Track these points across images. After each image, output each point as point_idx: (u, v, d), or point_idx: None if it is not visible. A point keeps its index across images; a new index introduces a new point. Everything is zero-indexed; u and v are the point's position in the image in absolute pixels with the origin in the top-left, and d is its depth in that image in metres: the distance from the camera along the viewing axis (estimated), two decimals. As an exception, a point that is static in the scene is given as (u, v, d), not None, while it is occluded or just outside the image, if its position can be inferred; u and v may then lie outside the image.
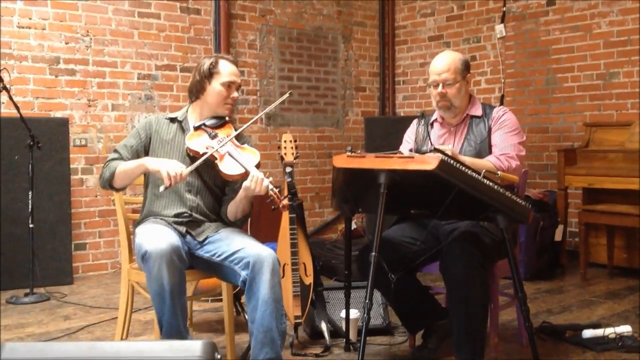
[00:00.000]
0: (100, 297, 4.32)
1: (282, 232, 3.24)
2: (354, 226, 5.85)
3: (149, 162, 2.60)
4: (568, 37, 5.50)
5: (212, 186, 2.78)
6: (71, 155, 4.82)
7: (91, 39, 5.04)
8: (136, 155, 2.73)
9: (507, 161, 2.82)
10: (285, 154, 3.25)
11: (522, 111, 5.75)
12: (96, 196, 5.07)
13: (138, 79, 5.27)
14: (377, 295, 3.32)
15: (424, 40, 6.60)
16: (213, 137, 2.70)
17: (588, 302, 4.10)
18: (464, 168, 2.42)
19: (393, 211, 2.92)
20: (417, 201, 2.76)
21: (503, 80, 5.93)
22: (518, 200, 2.53)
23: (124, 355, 1.85)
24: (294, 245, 3.17)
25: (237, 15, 5.83)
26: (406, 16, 6.77)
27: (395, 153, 2.64)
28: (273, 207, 2.56)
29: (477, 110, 2.99)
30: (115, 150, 2.74)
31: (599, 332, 3.23)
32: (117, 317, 2.96)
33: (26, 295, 4.23)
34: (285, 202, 2.57)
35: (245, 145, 2.76)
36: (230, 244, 2.58)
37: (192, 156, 2.69)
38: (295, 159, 3.25)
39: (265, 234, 3.85)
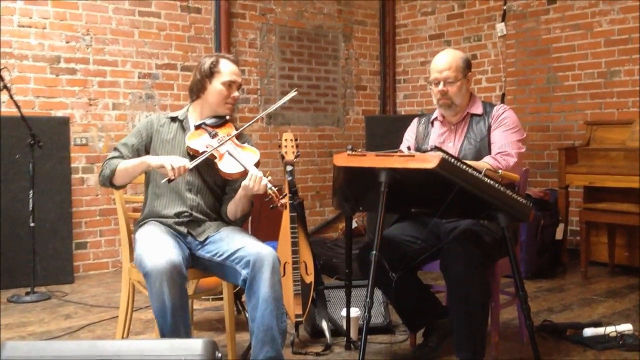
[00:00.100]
0: (101, 296, 4.32)
1: (282, 230, 3.24)
2: (354, 225, 5.86)
3: (151, 159, 2.61)
4: (569, 36, 5.49)
5: (213, 185, 2.78)
6: (72, 155, 4.82)
7: (92, 38, 5.04)
8: (136, 153, 2.73)
9: (504, 160, 2.82)
10: (285, 152, 3.25)
11: (523, 110, 5.75)
12: (97, 195, 5.07)
13: (139, 78, 5.27)
14: (378, 294, 3.32)
15: (425, 38, 6.60)
16: (213, 136, 2.70)
17: (589, 300, 4.10)
18: (464, 166, 2.42)
19: (394, 210, 2.92)
20: (417, 200, 2.75)
21: (504, 79, 5.93)
22: (519, 198, 2.53)
23: (124, 354, 1.85)
24: (294, 244, 3.17)
25: (238, 14, 5.83)
26: (407, 15, 6.76)
27: (396, 151, 2.64)
28: (272, 206, 2.56)
29: (478, 109, 2.99)
30: (116, 149, 2.74)
31: (599, 330, 3.24)
32: (118, 316, 2.97)
33: (27, 294, 4.23)
34: (284, 201, 2.57)
35: (246, 145, 2.75)
36: (230, 243, 2.58)
37: (192, 155, 2.69)
38: (295, 157, 3.25)
39: (266, 232, 3.85)
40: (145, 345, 1.90)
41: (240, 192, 2.64)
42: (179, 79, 5.47)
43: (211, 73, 2.75)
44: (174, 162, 2.51)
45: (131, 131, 2.85)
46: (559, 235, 4.90)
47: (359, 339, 3.06)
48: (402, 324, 3.23)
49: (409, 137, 3.14)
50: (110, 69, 5.14)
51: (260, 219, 4.51)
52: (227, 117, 2.82)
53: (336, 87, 6.54)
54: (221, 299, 2.96)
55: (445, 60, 2.93)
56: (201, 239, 2.67)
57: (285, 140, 3.29)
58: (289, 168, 3.23)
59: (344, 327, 3.19)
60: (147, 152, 2.78)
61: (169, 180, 2.51)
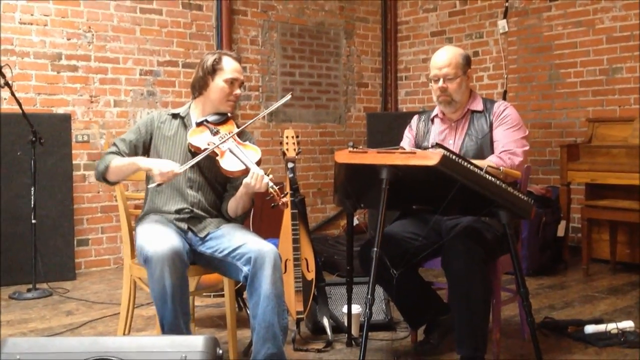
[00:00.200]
0: (103, 293, 4.33)
1: (284, 227, 3.25)
2: (356, 222, 5.86)
3: (141, 161, 2.62)
4: (571, 33, 5.48)
5: (214, 182, 2.78)
6: (73, 151, 4.82)
7: (93, 35, 5.04)
8: (134, 150, 2.74)
9: (509, 159, 2.81)
10: (287, 149, 3.25)
11: (525, 107, 5.74)
12: (98, 192, 5.08)
13: (140, 75, 5.27)
14: (379, 291, 3.32)
15: (427, 35, 6.59)
16: (215, 133, 2.70)
17: (590, 297, 4.10)
18: (466, 163, 2.42)
19: (395, 207, 2.92)
20: (419, 197, 2.75)
21: (506, 76, 5.92)
22: (520, 195, 2.53)
23: (126, 350, 1.86)
24: (295, 240, 3.17)
25: (239, 11, 5.83)
26: (408, 12, 6.76)
27: (397, 148, 2.64)
28: (273, 204, 2.55)
29: (478, 105, 2.99)
30: (114, 144, 2.74)
31: (601, 327, 3.23)
32: (119, 313, 2.97)
33: (29, 290, 4.24)
34: (285, 200, 2.56)
35: (247, 142, 2.75)
36: (231, 239, 2.58)
37: (193, 152, 2.69)
38: (297, 154, 3.25)
39: (268, 230, 3.86)
40: (147, 341, 1.91)
41: (241, 189, 2.64)
42: (181, 76, 5.46)
43: (214, 70, 2.75)
44: (162, 166, 2.52)
45: (132, 127, 2.85)
46: (560, 232, 4.90)
47: (360, 336, 3.07)
48: (403, 321, 3.23)
49: (410, 134, 3.14)
50: (112, 66, 5.14)
51: (261, 216, 4.51)
52: (229, 115, 2.81)
53: (338, 84, 6.53)
54: (222, 295, 2.96)
55: (444, 57, 2.93)
56: (202, 235, 2.67)
57: (287, 137, 3.29)
58: (290, 165, 3.23)
59: (345, 324, 3.20)
60: (146, 149, 2.78)
61: (158, 185, 2.52)
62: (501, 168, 2.69)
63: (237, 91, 2.79)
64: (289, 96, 2.86)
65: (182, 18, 5.48)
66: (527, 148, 2.91)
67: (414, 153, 2.45)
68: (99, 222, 5.09)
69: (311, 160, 6.31)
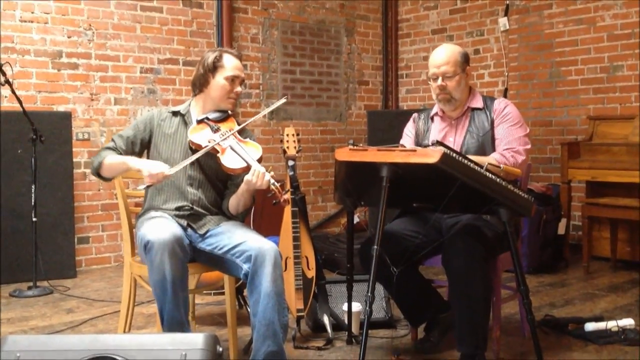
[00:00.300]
0: (103, 291, 4.33)
1: (284, 225, 3.25)
2: (356, 220, 5.86)
3: (132, 161, 2.61)
4: (572, 30, 5.47)
5: (214, 180, 2.78)
6: (74, 149, 4.82)
7: (93, 32, 5.04)
8: (131, 146, 2.74)
9: (512, 157, 2.81)
10: (287, 147, 3.25)
11: (526, 104, 5.74)
12: (99, 190, 5.08)
13: (140, 72, 5.27)
14: (380, 289, 3.32)
15: (427, 33, 6.58)
16: (215, 130, 2.70)
17: (591, 295, 4.10)
18: (466, 161, 2.42)
19: (395, 205, 2.92)
20: (419, 194, 2.75)
21: (506, 74, 5.91)
22: (520, 193, 2.53)
23: (126, 348, 1.86)
24: (296, 238, 3.17)
25: (240, 8, 5.82)
26: (409, 9, 6.75)
27: (398, 146, 2.64)
28: (274, 201, 2.56)
29: (478, 103, 2.99)
30: (112, 140, 2.75)
31: (601, 325, 3.23)
32: (119, 310, 2.97)
33: (29, 288, 4.24)
34: (287, 196, 2.56)
35: (248, 140, 2.75)
36: (231, 237, 2.58)
37: (194, 149, 2.69)
38: (297, 152, 3.25)
39: (268, 228, 3.86)
40: (147, 339, 1.91)
41: (242, 187, 2.64)
42: (181, 74, 5.46)
43: (214, 67, 2.75)
44: (151, 168, 2.51)
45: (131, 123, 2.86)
46: (561, 230, 4.90)
47: (360, 334, 3.07)
48: (404, 319, 3.23)
49: (409, 132, 3.13)
50: (112, 63, 5.14)
51: (262, 214, 4.51)
52: (230, 112, 2.81)
53: (338, 82, 6.53)
54: (223, 293, 2.96)
55: (443, 55, 2.92)
56: (202, 231, 2.67)
57: (287, 135, 3.28)
58: (290, 163, 3.23)
59: (346, 321, 3.20)
60: (144, 146, 2.79)
61: (148, 186, 2.52)
62: (501, 166, 2.69)
63: (238, 89, 2.79)
64: (283, 100, 2.88)
65: (183, 16, 5.48)
66: (529, 146, 2.91)
67: (414, 151, 2.45)
68: (100, 220, 5.10)
69: (312, 158, 6.31)
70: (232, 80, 2.76)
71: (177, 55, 5.45)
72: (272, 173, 2.56)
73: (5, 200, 4.44)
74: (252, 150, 2.66)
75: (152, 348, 1.86)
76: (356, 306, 3.18)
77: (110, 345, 1.86)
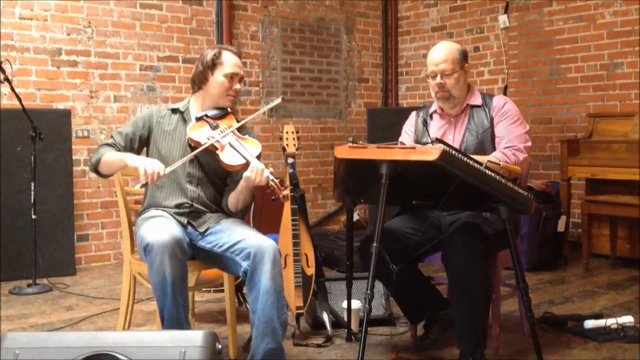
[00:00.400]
0: (103, 288, 4.33)
1: (284, 223, 3.25)
2: (356, 217, 5.86)
3: (129, 159, 2.60)
4: (572, 28, 5.47)
5: (214, 177, 2.77)
6: (73, 147, 4.82)
7: (93, 30, 5.03)
8: (129, 143, 2.74)
9: (513, 155, 2.81)
10: (287, 145, 3.25)
11: (526, 102, 5.73)
12: (99, 187, 5.08)
13: (140, 70, 5.27)
14: (379, 286, 3.32)
15: (427, 31, 6.58)
16: (214, 127, 2.70)
17: (590, 292, 4.10)
18: (465, 159, 2.42)
19: (395, 202, 2.92)
20: (419, 192, 2.75)
21: (506, 71, 5.91)
22: (520, 190, 2.53)
23: (125, 345, 1.86)
24: (295, 236, 3.17)
25: (239, 6, 5.82)
26: (409, 7, 6.74)
27: (397, 144, 2.63)
28: (273, 197, 2.55)
29: (477, 100, 2.98)
30: (111, 136, 2.75)
31: (600, 322, 3.23)
32: (119, 308, 2.97)
33: (29, 286, 4.24)
34: (286, 192, 2.56)
35: (247, 137, 2.75)
36: (231, 234, 2.58)
37: (193, 147, 2.68)
38: (297, 150, 3.25)
39: (268, 225, 3.85)
40: (146, 336, 1.91)
41: (241, 183, 2.64)
42: (181, 72, 5.46)
43: (213, 65, 2.74)
44: (148, 166, 2.50)
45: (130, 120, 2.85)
46: (560, 227, 4.89)
47: (359, 331, 3.07)
48: (403, 316, 3.23)
49: (408, 129, 3.13)
50: (112, 61, 5.13)
51: (262, 211, 4.51)
52: (229, 109, 2.81)
53: (338, 80, 6.52)
54: (222, 291, 2.97)
55: (441, 53, 2.92)
56: (202, 229, 2.67)
57: (287, 132, 3.28)
58: (290, 160, 3.23)
59: (345, 319, 3.20)
60: (143, 144, 2.79)
61: (143, 185, 2.52)
62: (501, 163, 2.69)
63: (237, 86, 2.79)
64: (279, 99, 2.89)
65: (182, 13, 5.47)
66: (529, 144, 2.91)
67: (414, 148, 2.45)
68: (99, 218, 5.10)
69: (311, 156, 6.31)
70: (231, 77, 2.75)
71: (176, 52, 5.45)
72: (271, 169, 2.56)
73: (5, 197, 4.44)
74: (251, 147, 2.66)
75: (151, 345, 1.86)
76: (355, 303, 3.18)
77: (110, 342, 1.86)
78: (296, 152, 3.24)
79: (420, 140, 3.00)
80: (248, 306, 2.64)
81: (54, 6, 4.86)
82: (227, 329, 2.88)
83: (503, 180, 2.48)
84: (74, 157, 4.83)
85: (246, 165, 2.57)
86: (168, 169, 2.54)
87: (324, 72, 6.41)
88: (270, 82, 6.03)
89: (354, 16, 6.61)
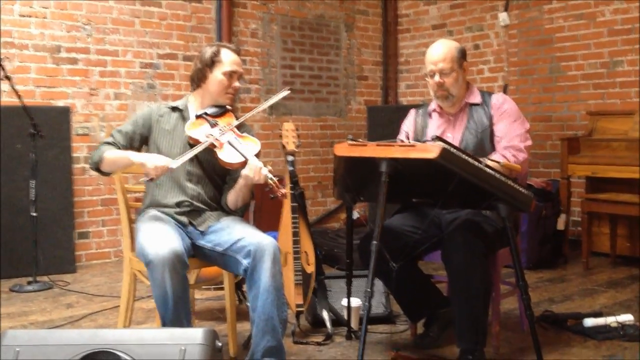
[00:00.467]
0: (103, 286, 4.33)
1: (283, 221, 3.25)
2: (356, 215, 5.86)
3: (134, 156, 2.60)
4: (572, 26, 5.46)
5: (213, 175, 2.77)
6: (73, 144, 4.82)
7: (92, 27, 5.03)
8: (130, 141, 2.73)
9: (513, 157, 2.80)
10: (287, 142, 3.25)
11: (526, 100, 5.73)
12: (99, 185, 5.08)
13: (140, 67, 5.26)
14: (379, 284, 3.32)
15: (427, 28, 6.57)
16: (213, 125, 2.69)
17: (590, 291, 4.10)
18: (465, 156, 2.42)
19: (394, 200, 2.91)
20: (418, 190, 2.75)
21: (506, 69, 5.90)
22: (520, 188, 2.53)
23: (126, 343, 1.86)
24: (295, 234, 3.17)
25: (239, 3, 5.81)
26: (409, 4, 6.73)
27: (397, 142, 2.63)
28: (272, 195, 2.55)
29: (476, 98, 2.98)
30: (111, 135, 2.75)
31: (600, 320, 3.24)
32: (119, 305, 2.97)
33: (29, 283, 4.25)
34: (284, 191, 2.56)
35: (246, 134, 2.75)
36: (231, 233, 2.58)
37: (192, 144, 2.68)
38: (297, 147, 3.25)
39: (268, 223, 3.85)
40: (147, 334, 1.91)
41: (240, 181, 2.64)
42: (181, 69, 5.45)
43: (212, 62, 2.74)
44: (155, 161, 2.51)
45: (130, 118, 2.85)
46: (560, 225, 4.89)
47: (359, 329, 3.07)
48: (403, 314, 3.23)
49: (407, 128, 3.12)
50: (111, 58, 5.13)
51: (262, 209, 4.51)
52: (228, 107, 2.81)
53: (338, 77, 6.52)
54: (222, 288, 2.97)
55: (439, 52, 2.91)
56: (202, 228, 2.67)
57: (286, 130, 3.28)
58: (290, 158, 3.23)
59: (345, 317, 3.20)
60: (143, 142, 2.78)
61: (150, 180, 2.52)
62: (501, 161, 2.69)
63: (236, 84, 2.78)
64: (286, 91, 2.85)
65: (182, 10, 5.47)
66: (529, 143, 2.90)
67: (414, 146, 2.44)
68: (100, 215, 5.10)
69: (311, 154, 6.31)
70: (230, 75, 2.75)
71: (176, 50, 5.44)
72: (269, 167, 2.55)
73: (5, 195, 4.44)
74: (250, 145, 2.65)
75: (151, 343, 1.86)
76: (355, 301, 3.18)
77: (110, 340, 1.86)
78: (296, 150, 3.24)
79: (419, 139, 2.99)
80: (248, 304, 2.64)
81: (53, 3, 4.85)
82: (227, 326, 2.88)
83: (503, 178, 2.48)
84: (74, 155, 4.83)
85: (244, 164, 2.56)
86: (176, 162, 2.54)
87: (323, 69, 6.41)
88: (270, 80, 6.03)
89: (353, 14, 6.60)
